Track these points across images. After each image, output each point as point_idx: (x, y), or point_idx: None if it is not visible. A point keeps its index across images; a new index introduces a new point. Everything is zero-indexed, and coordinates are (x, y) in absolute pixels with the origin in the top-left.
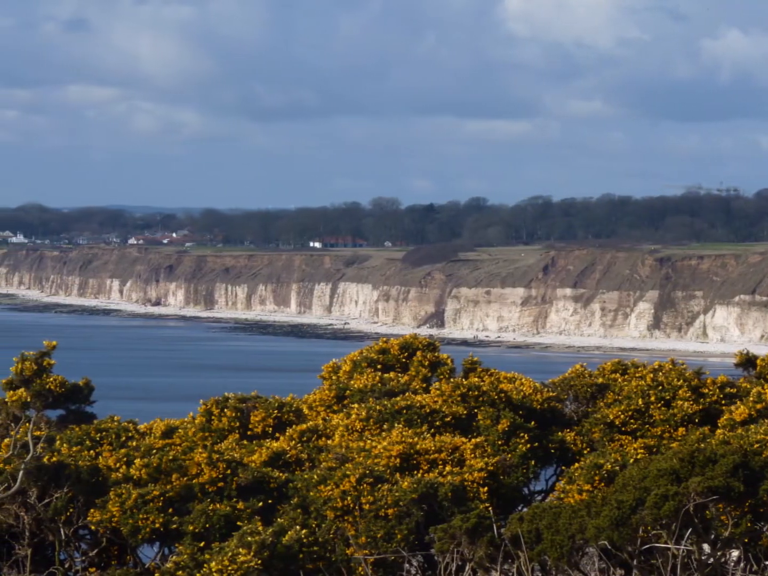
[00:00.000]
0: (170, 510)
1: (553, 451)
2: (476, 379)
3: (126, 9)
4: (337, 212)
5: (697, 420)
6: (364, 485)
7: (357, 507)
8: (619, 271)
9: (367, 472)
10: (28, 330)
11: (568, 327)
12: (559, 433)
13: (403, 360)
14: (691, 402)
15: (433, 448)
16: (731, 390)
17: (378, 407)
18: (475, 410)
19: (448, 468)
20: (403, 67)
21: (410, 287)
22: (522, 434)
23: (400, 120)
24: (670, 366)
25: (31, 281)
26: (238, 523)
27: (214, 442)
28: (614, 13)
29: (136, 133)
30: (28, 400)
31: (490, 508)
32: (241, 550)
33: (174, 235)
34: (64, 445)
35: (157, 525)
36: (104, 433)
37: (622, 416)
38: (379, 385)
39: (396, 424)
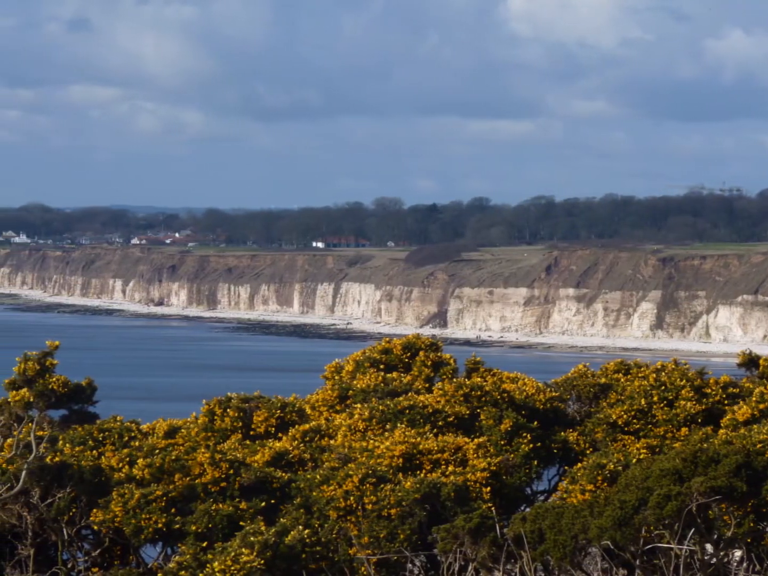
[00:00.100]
0: (173, 510)
1: (555, 451)
2: (479, 379)
3: (128, 9)
4: (340, 212)
5: (699, 420)
6: (367, 485)
7: (360, 507)
8: (622, 271)
9: (370, 472)
10: (30, 330)
11: (570, 327)
12: (562, 433)
13: (406, 360)
14: (694, 402)
15: (435, 448)
16: (734, 390)
17: (381, 407)
18: (478, 410)
19: (450, 468)
20: (406, 67)
21: (413, 287)
22: (525, 434)
23: (403, 120)
24: (673, 366)
25: (33, 281)
26: (241, 523)
27: (216, 442)
28: (617, 13)
29: (139, 133)
30: (31, 400)
31: (492, 508)
32: (243, 550)
33: (177, 235)
34: (67, 445)
35: (160, 525)
36: (107, 433)
37: (624, 416)
38: (382, 385)
39: (399, 424)
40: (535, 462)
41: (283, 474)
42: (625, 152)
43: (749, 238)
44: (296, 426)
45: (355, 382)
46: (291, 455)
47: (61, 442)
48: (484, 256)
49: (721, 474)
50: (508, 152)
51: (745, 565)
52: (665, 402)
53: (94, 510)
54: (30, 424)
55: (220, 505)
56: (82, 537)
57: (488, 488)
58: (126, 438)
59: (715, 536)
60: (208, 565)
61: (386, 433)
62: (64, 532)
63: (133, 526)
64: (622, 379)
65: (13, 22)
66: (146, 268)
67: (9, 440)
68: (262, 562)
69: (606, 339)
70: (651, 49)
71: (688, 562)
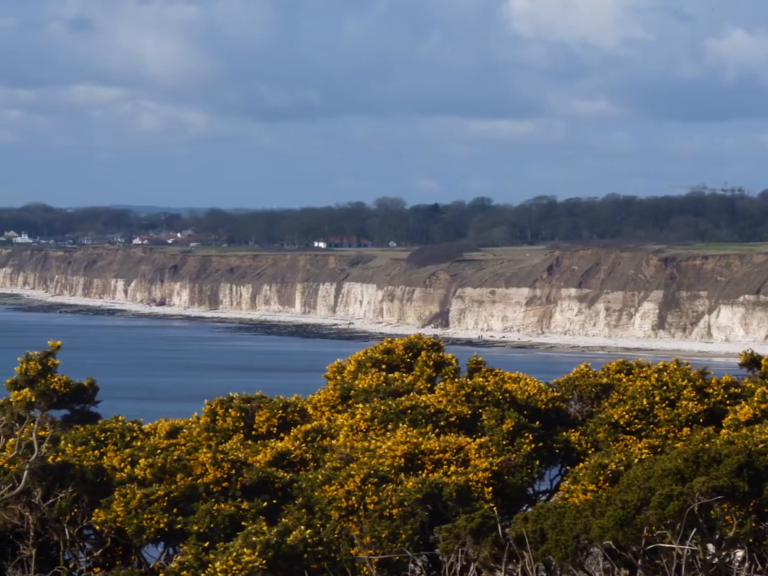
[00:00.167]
0: (175, 510)
1: (557, 451)
2: (481, 379)
3: (130, 9)
4: (341, 212)
5: (701, 420)
6: (369, 485)
7: (361, 507)
8: (624, 271)
9: (372, 472)
10: (32, 330)
11: (572, 327)
12: (564, 433)
13: (408, 360)
14: (696, 402)
15: (437, 448)
16: (736, 390)
17: (382, 407)
18: (480, 410)
19: (452, 468)
20: (407, 67)
21: (415, 287)
22: (526, 434)
23: (405, 120)
24: (675, 366)
25: (35, 281)
26: (243, 523)
27: (218, 442)
28: (619, 13)
29: (140, 133)
30: (33, 400)
31: (494, 508)
32: (245, 550)
33: (179, 235)
34: (69, 445)
35: (162, 525)
36: (109, 433)
37: (626, 416)
38: (384, 385)
39: (400, 424)
40: (537, 462)
41: (285, 474)
42: (627, 152)
43: (751, 238)
44: (298, 426)
45: (356, 382)
46: (293, 455)
47: (63, 442)
48: (485, 256)
49: (722, 474)
50: (509, 152)
51: (746, 565)
52: (667, 402)
53: (96, 510)
54: (32, 424)
55: (222, 505)
56: (84, 537)
57: (490, 488)
58: (128, 438)
59: (717, 536)
60: (209, 565)
61: (388, 433)
62: (66, 532)
63: (134, 526)
64: (624, 379)
65: (15, 22)
66: (148, 268)
67: (11, 440)
68: (264, 562)
69: (608, 339)
70: (652, 49)
71: (690, 562)
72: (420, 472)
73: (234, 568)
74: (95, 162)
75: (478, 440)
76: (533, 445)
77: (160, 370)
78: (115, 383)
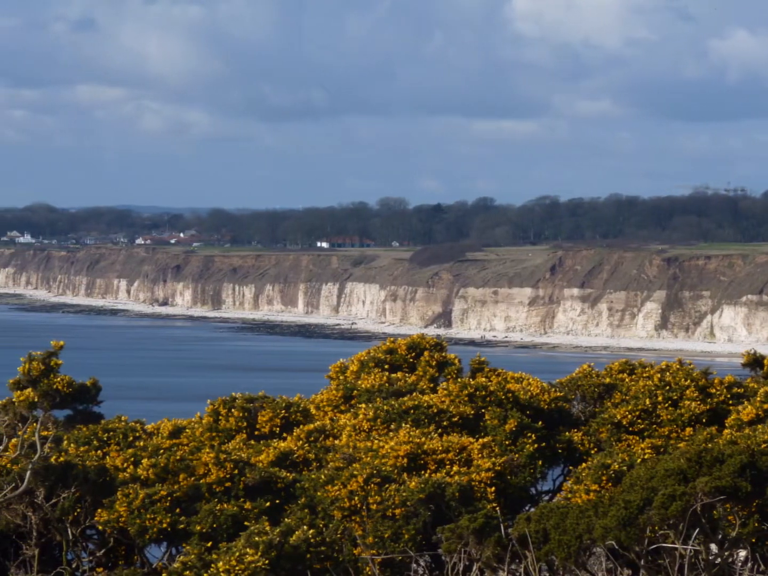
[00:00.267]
0: (177, 510)
1: (560, 451)
2: (484, 379)
3: (135, 9)
4: (344, 212)
5: (704, 420)
6: (372, 485)
7: (364, 507)
8: (627, 271)
9: (375, 472)
10: (35, 330)
11: (575, 327)
12: (567, 433)
13: (411, 360)
14: (699, 402)
15: (440, 448)
16: (738, 390)
17: (385, 407)
18: (483, 410)
19: (455, 468)
20: (411, 67)
21: (418, 287)
22: (529, 434)
23: (408, 120)
24: (678, 366)
25: (38, 281)
26: (246, 523)
27: (221, 442)
28: (622, 13)
29: (144, 133)
30: (36, 400)
31: (497, 508)
32: (248, 550)
33: (181, 235)
34: (72, 445)
35: (165, 525)
36: (111, 433)
37: (629, 416)
38: (387, 385)
39: (403, 424)
40: (540, 462)
41: (288, 474)
42: (630, 152)
43: (754, 238)
44: (301, 426)
45: (359, 382)
46: (295, 455)
47: (65, 442)
48: (488, 256)
49: (725, 474)
50: (513, 152)
51: (749, 565)
52: (670, 402)
53: (99, 510)
54: (34, 424)
55: (225, 505)
56: (87, 537)
57: (493, 488)
58: (131, 438)
59: (720, 536)
60: (212, 565)
61: (391, 433)
62: (69, 532)
63: (137, 526)
64: (627, 379)
65: (20, 22)
66: (151, 268)
67: (13, 440)
68: (267, 562)
69: (610, 339)
70: (656, 49)
71: (693, 562)
72: (423, 472)
73: (237, 568)
74: (99, 162)
75: (480, 440)
76: (536, 445)
77: (163, 370)
78: (117, 383)
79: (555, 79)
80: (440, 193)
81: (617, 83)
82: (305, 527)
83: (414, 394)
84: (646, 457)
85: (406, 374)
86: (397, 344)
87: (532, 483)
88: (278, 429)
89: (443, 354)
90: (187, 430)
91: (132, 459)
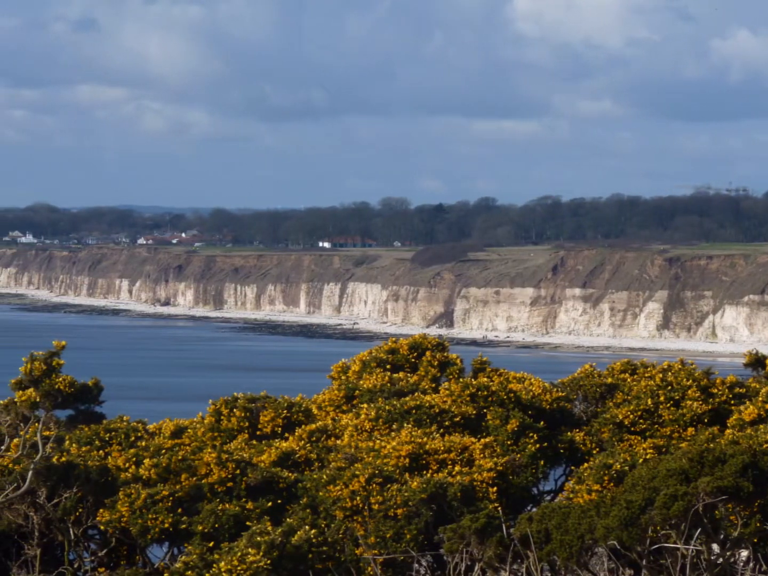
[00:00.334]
0: (179, 510)
1: (562, 451)
2: (485, 379)
3: (135, 9)
4: (346, 212)
5: (706, 420)
6: (374, 485)
7: (366, 507)
8: (629, 271)
9: (377, 472)
10: (37, 330)
11: (577, 327)
12: (569, 433)
13: (413, 360)
14: (701, 402)
15: (442, 448)
16: (740, 390)
17: (387, 407)
18: (485, 410)
19: (457, 468)
20: (411, 67)
21: (419, 287)
22: (531, 434)
23: (410, 120)
24: (680, 366)
25: (40, 281)
26: (248, 523)
27: (223, 442)
28: (623, 13)
29: (145, 133)
30: (38, 400)
31: (499, 508)
32: (250, 550)
33: (183, 235)
34: (74, 445)
35: (167, 525)
36: (113, 433)
37: (631, 416)
38: (389, 385)
39: (405, 424)
40: (542, 462)
41: (290, 474)
42: (632, 152)
43: (756, 238)
44: (303, 426)
45: (361, 382)
46: (297, 455)
47: (67, 442)
48: (490, 256)
49: (727, 474)
50: (514, 152)
51: (751, 565)
52: (672, 402)
53: (101, 510)
54: (36, 424)
55: (227, 505)
56: (89, 537)
57: (495, 488)
58: (132, 438)
59: (722, 536)
60: (214, 565)
61: (393, 433)
62: (71, 532)
63: (139, 526)
64: (629, 379)
65: (20, 22)
66: (153, 268)
67: (15, 440)
68: (269, 562)
69: (612, 339)
70: (657, 49)
71: (695, 562)
72: (424, 472)
73: (239, 568)
74: (100, 162)
75: (482, 440)
76: (538, 445)
77: (165, 370)
78: (119, 383)
79: (555, 79)
80: (441, 193)
81: (618, 83)
82: (307, 527)
83: (416, 394)
84: (647, 457)
85: (408, 374)
86: (398, 344)
87: (534, 483)
88: (280, 429)
89: (445, 354)
90: (189, 430)
91: (134, 459)
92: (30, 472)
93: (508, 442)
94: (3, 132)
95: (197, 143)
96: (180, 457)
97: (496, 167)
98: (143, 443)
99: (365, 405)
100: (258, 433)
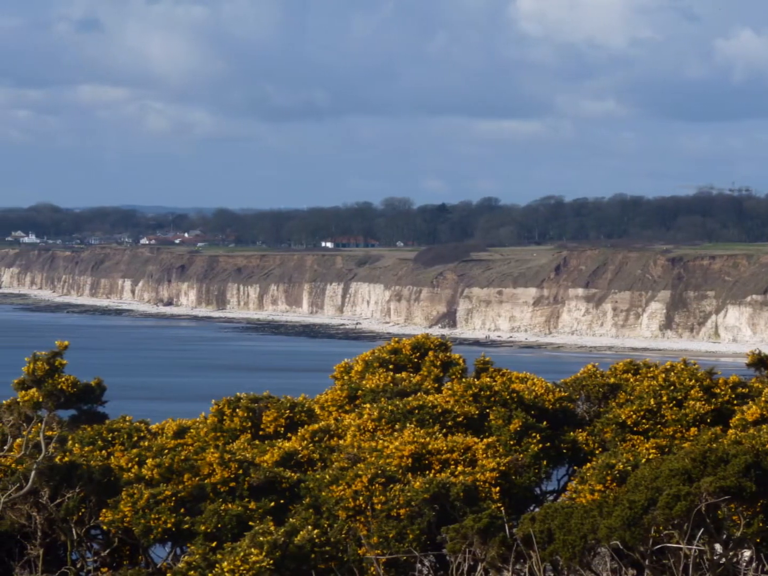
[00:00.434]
0: (182, 510)
1: (565, 451)
2: (488, 379)
3: (138, 9)
4: (349, 212)
5: (709, 420)
6: (376, 485)
7: (369, 507)
8: (631, 271)
9: (379, 472)
10: (39, 330)
11: (580, 327)
12: (571, 433)
13: (415, 360)
14: (703, 402)
15: (445, 448)
16: (743, 390)
17: (390, 407)
18: (487, 410)
19: (460, 468)
20: (414, 67)
21: (422, 287)
22: (534, 434)
23: (412, 120)
24: (682, 366)
25: (43, 281)
26: (250, 523)
27: (226, 442)
28: (627, 13)
29: (147, 133)
30: (40, 400)
31: (502, 508)
32: (253, 550)
33: (186, 235)
34: (76, 445)
35: (169, 525)
36: (116, 433)
37: (634, 416)
38: (391, 385)
39: (408, 424)
40: (545, 462)
41: (293, 474)
42: (635, 152)
43: (758, 238)
44: (305, 426)
45: (364, 382)
46: (300, 455)
47: (70, 442)
48: (493, 256)
49: (730, 474)
50: (517, 152)
51: (754, 565)
52: (674, 402)
53: (104, 510)
54: (39, 424)
55: (230, 505)
56: (91, 537)
57: (497, 488)
58: (135, 438)
59: (724, 536)
60: (217, 565)
61: (395, 433)
62: (74, 532)
63: (142, 526)
64: (632, 379)
65: (23, 22)
66: (155, 268)
67: (18, 440)
68: (271, 562)
69: (615, 339)
70: (660, 49)
71: (698, 562)
72: (427, 472)
73: (241, 568)
74: (103, 162)
75: (485, 440)
76: (540, 445)
77: (168, 370)
78: (122, 383)
79: (558, 78)
80: (443, 193)
81: (621, 83)
82: (310, 527)
83: (418, 394)
84: (650, 457)
85: (411, 374)
86: (401, 344)
87: (537, 483)
88: (283, 429)
89: (448, 354)
90: (192, 430)
91: (136, 459)
92: (33, 472)
93: (511, 442)
94: (6, 132)
95: (200, 143)
96: (183, 457)
97: (498, 167)
98: (146, 443)
99: (368, 405)
100: (261, 433)
